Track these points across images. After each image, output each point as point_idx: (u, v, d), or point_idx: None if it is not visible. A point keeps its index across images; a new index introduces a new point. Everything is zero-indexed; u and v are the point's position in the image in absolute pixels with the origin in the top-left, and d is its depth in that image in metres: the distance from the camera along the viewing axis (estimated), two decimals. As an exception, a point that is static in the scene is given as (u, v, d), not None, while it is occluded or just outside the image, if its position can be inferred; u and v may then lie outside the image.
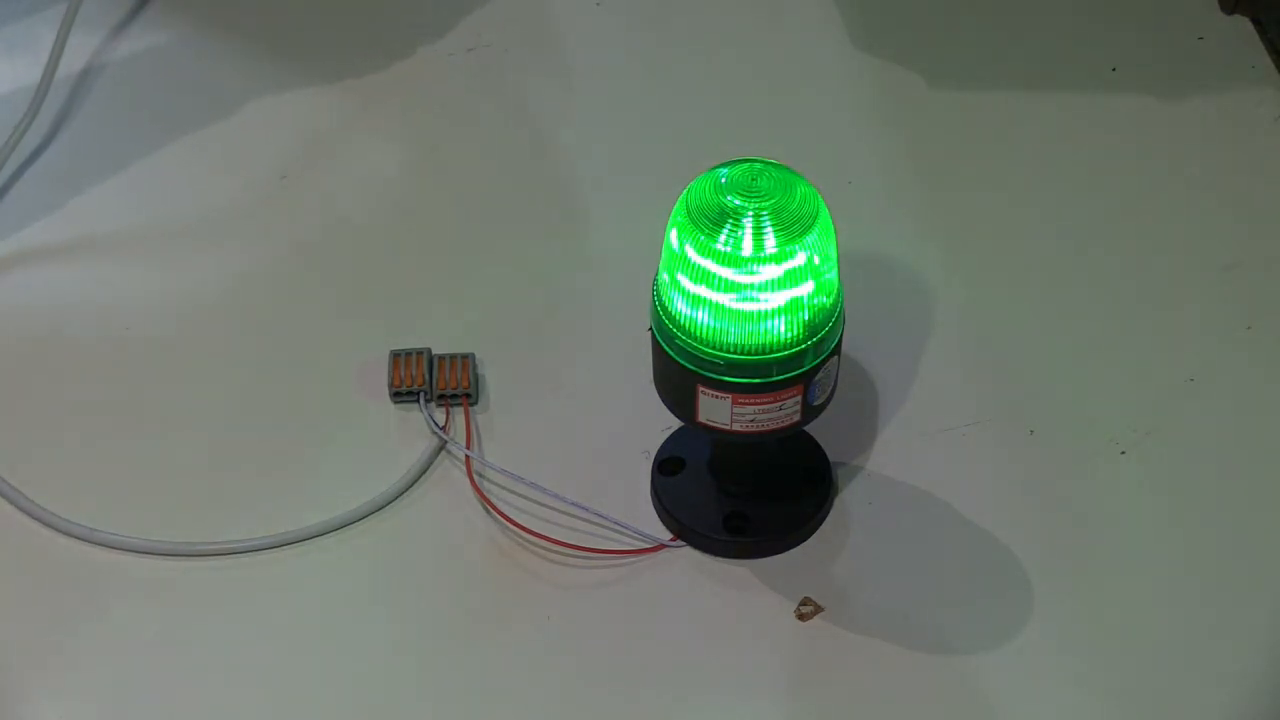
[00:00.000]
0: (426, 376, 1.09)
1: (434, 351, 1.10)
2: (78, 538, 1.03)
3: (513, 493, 1.05)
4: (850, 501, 1.04)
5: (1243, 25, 1.33)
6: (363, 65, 1.33)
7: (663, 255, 0.92)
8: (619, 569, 1.02)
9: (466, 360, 1.09)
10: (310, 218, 1.22)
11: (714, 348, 0.91)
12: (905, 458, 1.06)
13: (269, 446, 1.08)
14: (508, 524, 1.03)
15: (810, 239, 0.89)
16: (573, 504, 1.03)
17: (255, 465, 1.07)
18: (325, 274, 1.18)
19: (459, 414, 1.08)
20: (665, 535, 1.03)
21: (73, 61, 1.31)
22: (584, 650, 0.99)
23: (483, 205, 1.23)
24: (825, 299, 0.91)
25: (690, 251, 0.90)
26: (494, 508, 1.04)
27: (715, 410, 0.94)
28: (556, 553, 1.02)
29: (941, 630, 0.99)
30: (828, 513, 1.04)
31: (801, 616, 0.99)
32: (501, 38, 1.34)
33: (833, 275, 0.92)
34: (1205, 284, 1.16)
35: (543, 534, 1.02)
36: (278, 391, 1.12)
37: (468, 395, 1.09)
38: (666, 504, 1.03)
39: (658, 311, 0.93)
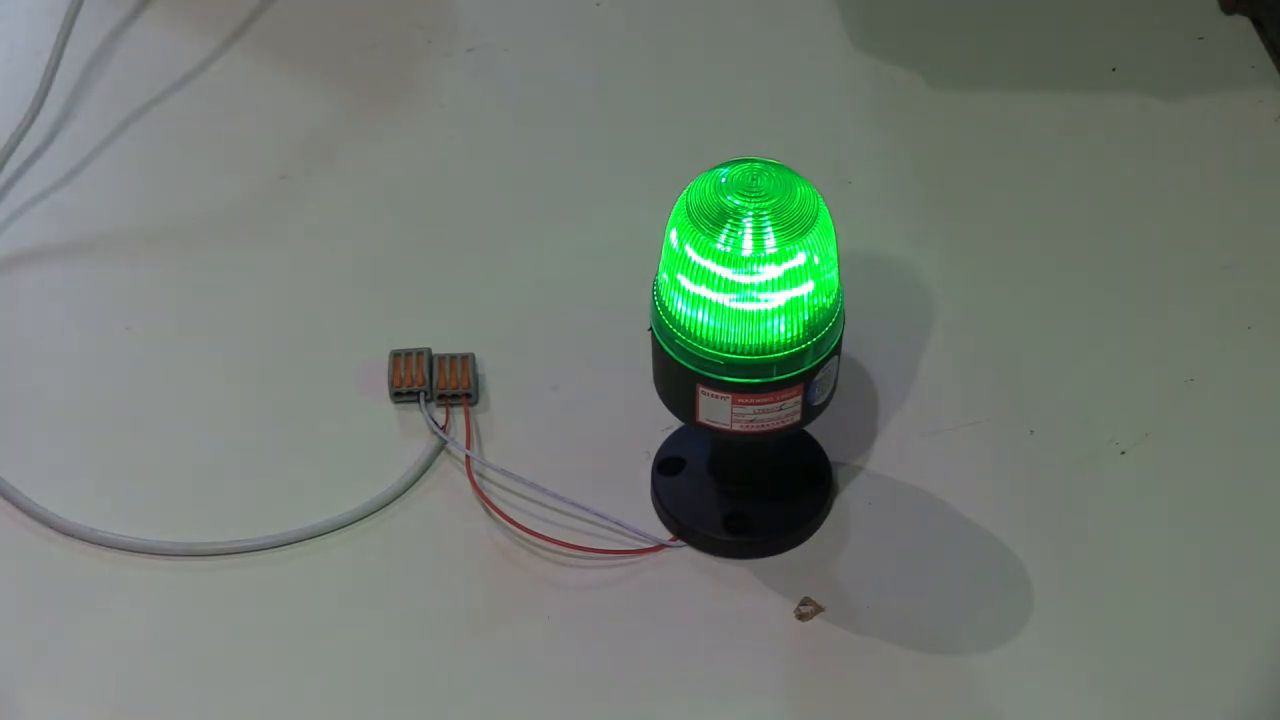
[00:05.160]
0: (426, 376, 1.09)
1: (434, 351, 1.10)
2: (78, 537, 1.03)
3: (513, 493, 1.05)
4: (850, 501, 1.04)
5: (1243, 25, 1.33)
6: (363, 65, 1.33)
7: (663, 255, 0.92)
8: (619, 569, 1.02)
9: (466, 360, 1.10)
10: (310, 218, 1.22)
11: (714, 348, 0.91)
12: (905, 458, 1.06)
13: (269, 446, 1.08)
14: (508, 524, 1.03)
15: (810, 239, 0.89)
16: (573, 504, 1.03)
17: (255, 465, 1.07)
18: (325, 274, 1.18)
19: (459, 414, 1.08)
20: (665, 535, 1.03)
21: (73, 61, 1.31)
22: (584, 650, 0.99)
23: (482, 205, 1.23)
24: (825, 299, 0.91)
25: (690, 251, 0.90)
26: (494, 508, 1.04)
27: (715, 410, 0.94)
28: (556, 553, 1.02)
29: (941, 630, 0.99)
30: (827, 513, 1.04)
31: (801, 616, 0.99)
32: (501, 38, 1.34)
33: (833, 275, 0.92)
34: (1205, 284, 1.16)
35: (543, 534, 1.02)
36: (278, 391, 1.12)
37: (468, 395, 1.09)
38: (666, 504, 1.03)
39: (658, 311, 0.93)
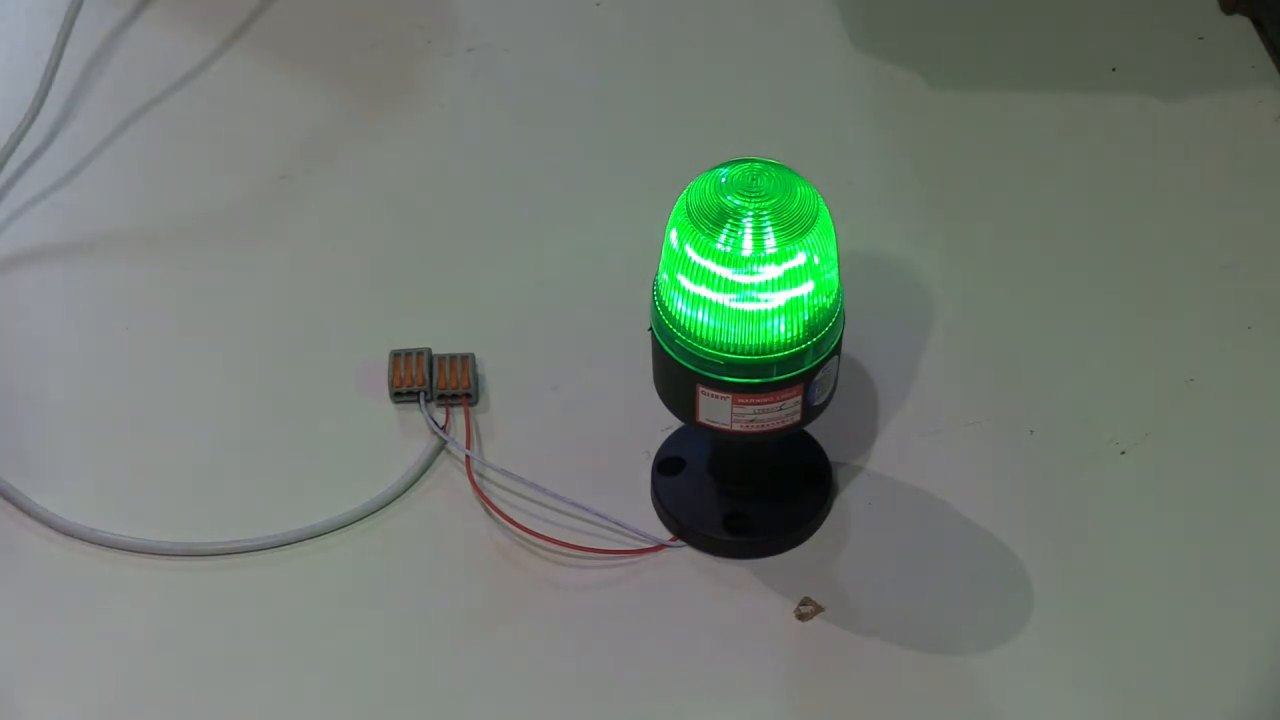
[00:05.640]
0: (426, 376, 1.09)
1: (434, 352, 1.10)
2: (78, 538, 1.03)
3: (513, 493, 1.05)
4: (850, 501, 1.04)
5: (1243, 25, 1.33)
6: (363, 65, 1.33)
7: (663, 255, 0.92)
8: (619, 569, 1.02)
9: (466, 360, 1.10)
10: (310, 218, 1.22)
11: (714, 348, 0.91)
12: (905, 458, 1.06)
13: (269, 446, 1.08)
14: (508, 524, 1.03)
15: (810, 239, 0.89)
16: (573, 504, 1.03)
17: (255, 465, 1.07)
18: (325, 274, 1.18)
19: (459, 414, 1.08)
20: (665, 535, 1.03)
21: (73, 61, 1.30)
22: (584, 650, 0.99)
23: (482, 205, 1.23)
24: (825, 299, 0.91)
25: (690, 251, 0.90)
26: (494, 508, 1.04)
27: (715, 410, 0.94)
28: (556, 552, 1.02)
29: (941, 630, 0.99)
30: (827, 513, 1.04)
31: (801, 616, 0.99)
32: (501, 38, 1.34)
33: (833, 275, 0.92)
34: (1205, 284, 1.16)
35: (543, 534, 1.02)
36: (278, 391, 1.12)
37: (468, 395, 1.09)
38: (666, 504, 1.03)
39: (658, 311, 0.93)
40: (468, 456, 1.06)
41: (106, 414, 1.10)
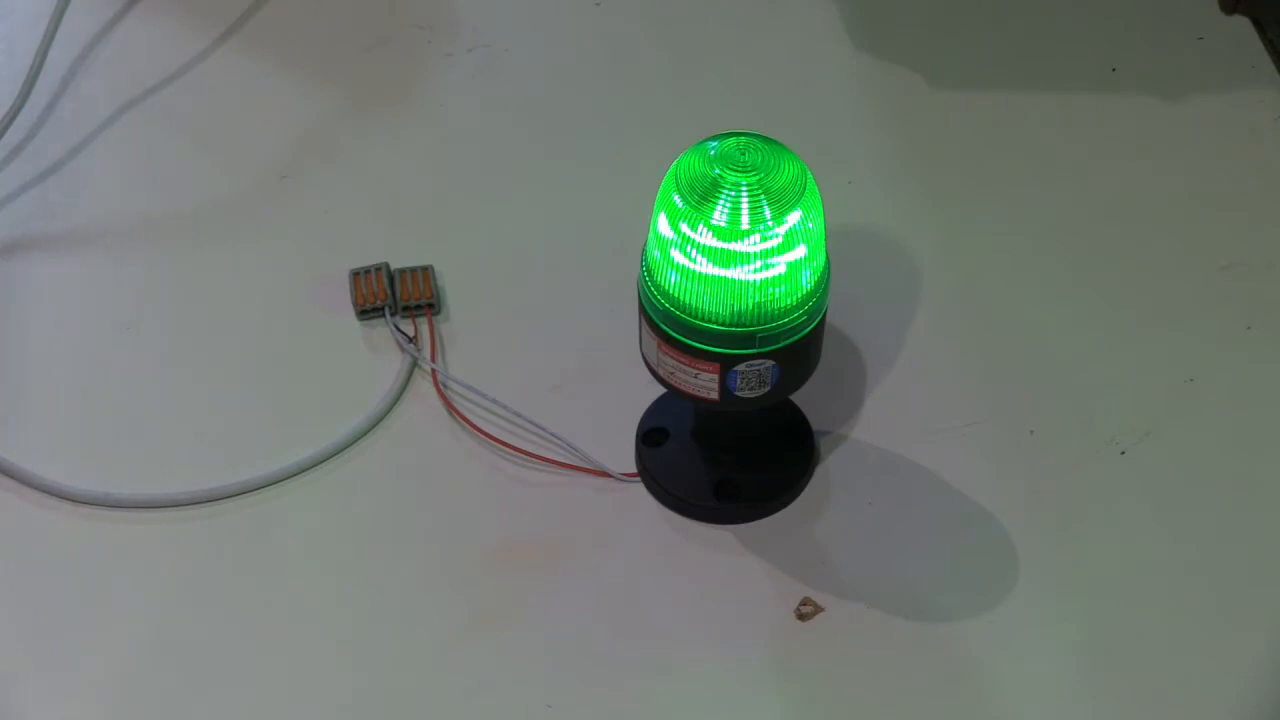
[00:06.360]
0: (388, 291, 1.13)
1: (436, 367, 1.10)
2: (85, 502, 1.05)
3: (479, 406, 1.08)
4: (851, 502, 1.04)
5: (1243, 25, 1.33)
6: (363, 65, 1.33)
7: (658, 195, 0.94)
8: (616, 567, 1.02)
9: (427, 271, 1.11)
10: (310, 218, 1.22)
11: (657, 290, 0.93)
12: (905, 457, 1.06)
13: (263, 440, 1.08)
14: (477, 433, 1.06)
15: (798, 221, 0.90)
16: (536, 425, 1.07)
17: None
18: (325, 274, 1.18)
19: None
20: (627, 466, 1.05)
21: (71, 60, 1.31)
22: (580, 649, 0.99)
23: (483, 206, 1.23)
24: (771, 305, 0.92)
25: (683, 226, 0.91)
26: (467, 421, 1.07)
27: (648, 348, 0.96)
28: (552, 540, 1.02)
29: (942, 631, 0.99)
30: (813, 471, 1.04)
31: (801, 616, 0.99)
32: (501, 38, 1.34)
33: (794, 299, 0.92)
34: (1205, 284, 1.16)
35: (509, 443, 1.06)
36: (275, 390, 1.12)
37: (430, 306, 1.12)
38: (655, 475, 1.03)
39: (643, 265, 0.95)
40: (434, 370, 1.09)
41: (101, 410, 1.11)
